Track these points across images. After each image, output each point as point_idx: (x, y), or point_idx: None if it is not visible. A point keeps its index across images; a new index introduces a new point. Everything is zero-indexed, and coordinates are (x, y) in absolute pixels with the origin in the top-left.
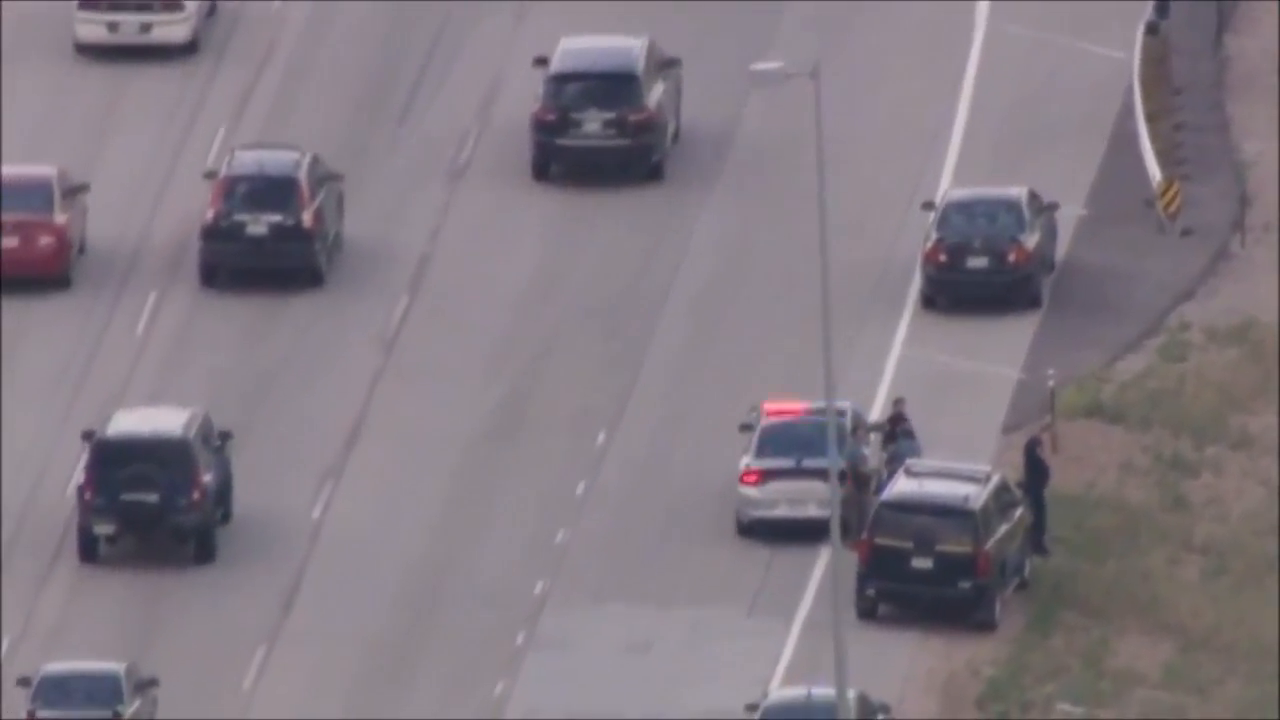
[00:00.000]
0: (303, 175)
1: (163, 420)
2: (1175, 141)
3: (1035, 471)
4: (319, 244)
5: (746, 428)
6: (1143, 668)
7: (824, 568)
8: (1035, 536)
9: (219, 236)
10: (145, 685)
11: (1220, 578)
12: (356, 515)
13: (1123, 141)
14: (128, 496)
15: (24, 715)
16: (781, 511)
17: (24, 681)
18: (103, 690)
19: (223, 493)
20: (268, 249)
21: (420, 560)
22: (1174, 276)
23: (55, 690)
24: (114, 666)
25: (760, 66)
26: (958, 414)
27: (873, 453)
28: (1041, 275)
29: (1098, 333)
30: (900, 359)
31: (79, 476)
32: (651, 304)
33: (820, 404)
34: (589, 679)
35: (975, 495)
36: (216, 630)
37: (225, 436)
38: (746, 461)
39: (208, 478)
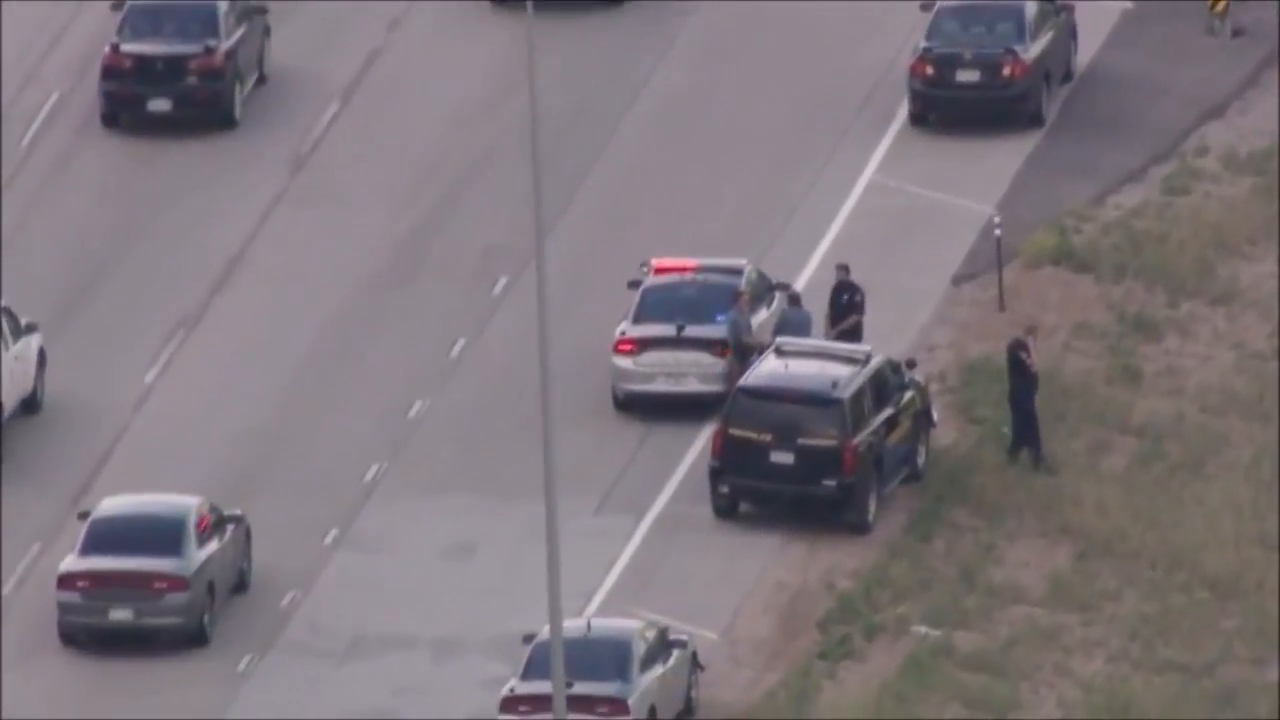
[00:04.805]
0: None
1: None
2: None
3: (1019, 378)
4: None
5: (635, 286)
6: (1026, 580)
7: (698, 453)
8: (1029, 452)
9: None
10: None
11: (1150, 466)
12: (198, 375)
13: None
14: None
15: None
16: (660, 386)
17: None
18: None
19: None
20: None
21: (253, 434)
22: (1208, 88)
23: None
24: None
25: None
26: (909, 258)
27: (770, 319)
28: (1043, 91)
29: (1100, 159)
30: (867, 186)
31: None
32: (599, 133)
33: (716, 260)
34: (391, 592)
35: (846, 380)
36: None
37: None
38: (623, 328)
39: None
